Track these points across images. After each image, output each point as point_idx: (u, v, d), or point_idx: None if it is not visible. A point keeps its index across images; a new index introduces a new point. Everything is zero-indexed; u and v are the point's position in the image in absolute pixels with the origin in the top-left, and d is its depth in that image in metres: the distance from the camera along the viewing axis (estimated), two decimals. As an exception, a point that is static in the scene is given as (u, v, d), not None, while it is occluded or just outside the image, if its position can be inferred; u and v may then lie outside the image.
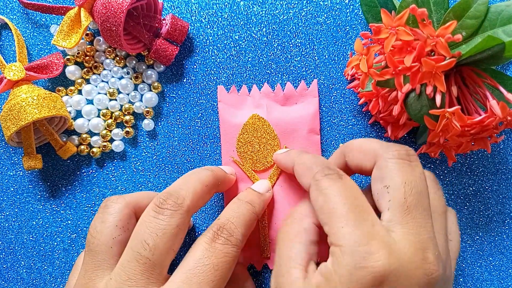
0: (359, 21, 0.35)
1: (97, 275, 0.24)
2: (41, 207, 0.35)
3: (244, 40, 0.35)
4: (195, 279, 0.23)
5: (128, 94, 0.35)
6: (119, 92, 0.35)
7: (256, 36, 0.35)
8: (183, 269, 0.23)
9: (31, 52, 0.36)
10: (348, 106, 0.34)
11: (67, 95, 0.35)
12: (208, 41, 0.35)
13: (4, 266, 0.34)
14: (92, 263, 0.25)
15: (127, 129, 0.34)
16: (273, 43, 0.35)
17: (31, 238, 0.35)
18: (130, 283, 0.23)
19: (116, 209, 0.26)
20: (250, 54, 0.35)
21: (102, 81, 0.35)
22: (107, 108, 0.35)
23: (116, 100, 0.35)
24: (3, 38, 0.36)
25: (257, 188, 0.30)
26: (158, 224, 0.23)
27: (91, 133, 0.35)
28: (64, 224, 0.35)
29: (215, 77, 0.35)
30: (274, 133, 0.33)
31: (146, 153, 0.35)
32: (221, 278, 0.23)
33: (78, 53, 0.35)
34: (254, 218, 0.27)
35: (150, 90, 0.35)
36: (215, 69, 0.35)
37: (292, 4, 0.35)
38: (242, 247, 0.26)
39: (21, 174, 0.35)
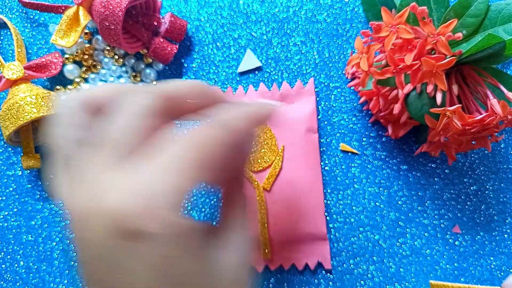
0: (360, 19, 0.35)
1: None
2: (40, 207, 0.35)
3: (243, 39, 0.35)
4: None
5: (127, 93, 0.35)
6: (118, 91, 0.35)
7: (255, 35, 0.35)
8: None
9: (30, 51, 0.35)
10: (348, 105, 0.34)
11: (66, 94, 0.35)
12: (207, 39, 0.35)
13: (3, 266, 0.34)
14: None
15: (126, 128, 0.34)
16: (273, 41, 0.35)
17: (30, 238, 0.34)
18: None
19: None
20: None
21: (101, 80, 0.35)
22: (106, 107, 0.35)
23: (115, 99, 0.35)
24: (1, 37, 0.36)
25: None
26: None
27: (90, 133, 0.35)
28: (63, 224, 0.34)
29: (214, 76, 0.35)
30: (271, 132, 0.33)
31: (145, 153, 0.35)
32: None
33: (76, 52, 0.35)
34: None
35: (149, 89, 0.35)
36: (214, 68, 0.35)
37: (292, 3, 0.35)
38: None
39: (20, 173, 0.35)
